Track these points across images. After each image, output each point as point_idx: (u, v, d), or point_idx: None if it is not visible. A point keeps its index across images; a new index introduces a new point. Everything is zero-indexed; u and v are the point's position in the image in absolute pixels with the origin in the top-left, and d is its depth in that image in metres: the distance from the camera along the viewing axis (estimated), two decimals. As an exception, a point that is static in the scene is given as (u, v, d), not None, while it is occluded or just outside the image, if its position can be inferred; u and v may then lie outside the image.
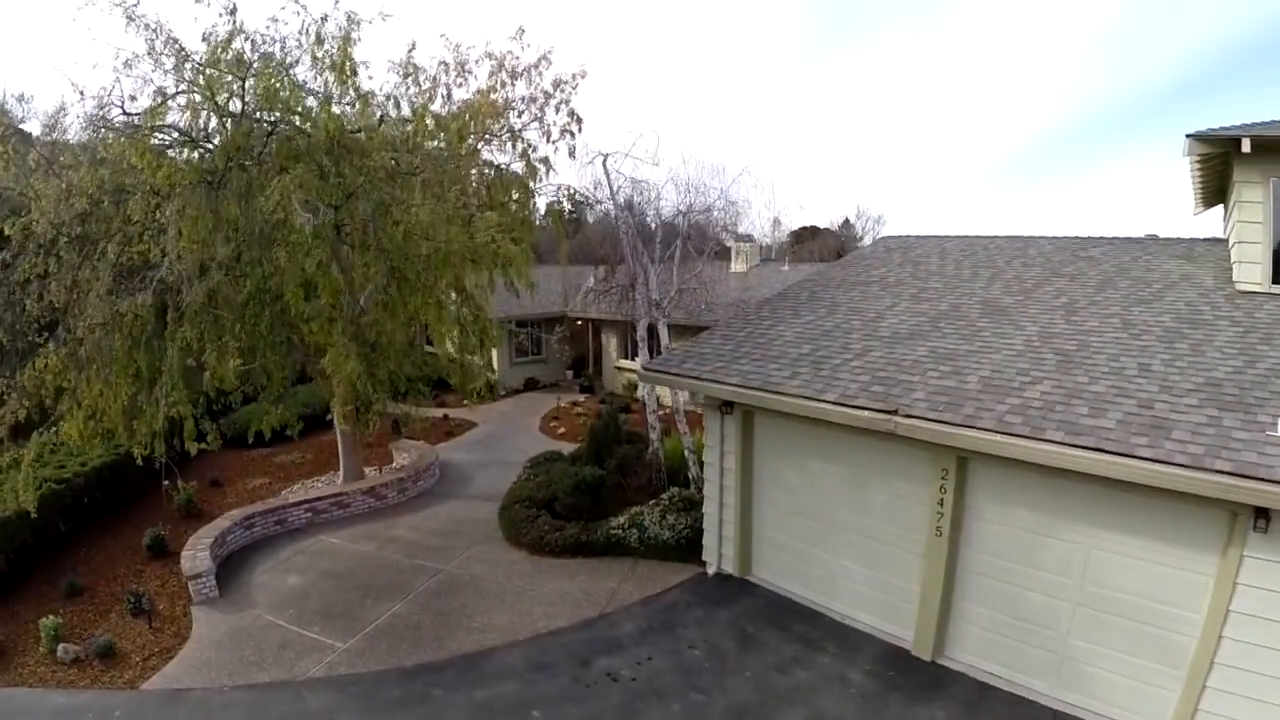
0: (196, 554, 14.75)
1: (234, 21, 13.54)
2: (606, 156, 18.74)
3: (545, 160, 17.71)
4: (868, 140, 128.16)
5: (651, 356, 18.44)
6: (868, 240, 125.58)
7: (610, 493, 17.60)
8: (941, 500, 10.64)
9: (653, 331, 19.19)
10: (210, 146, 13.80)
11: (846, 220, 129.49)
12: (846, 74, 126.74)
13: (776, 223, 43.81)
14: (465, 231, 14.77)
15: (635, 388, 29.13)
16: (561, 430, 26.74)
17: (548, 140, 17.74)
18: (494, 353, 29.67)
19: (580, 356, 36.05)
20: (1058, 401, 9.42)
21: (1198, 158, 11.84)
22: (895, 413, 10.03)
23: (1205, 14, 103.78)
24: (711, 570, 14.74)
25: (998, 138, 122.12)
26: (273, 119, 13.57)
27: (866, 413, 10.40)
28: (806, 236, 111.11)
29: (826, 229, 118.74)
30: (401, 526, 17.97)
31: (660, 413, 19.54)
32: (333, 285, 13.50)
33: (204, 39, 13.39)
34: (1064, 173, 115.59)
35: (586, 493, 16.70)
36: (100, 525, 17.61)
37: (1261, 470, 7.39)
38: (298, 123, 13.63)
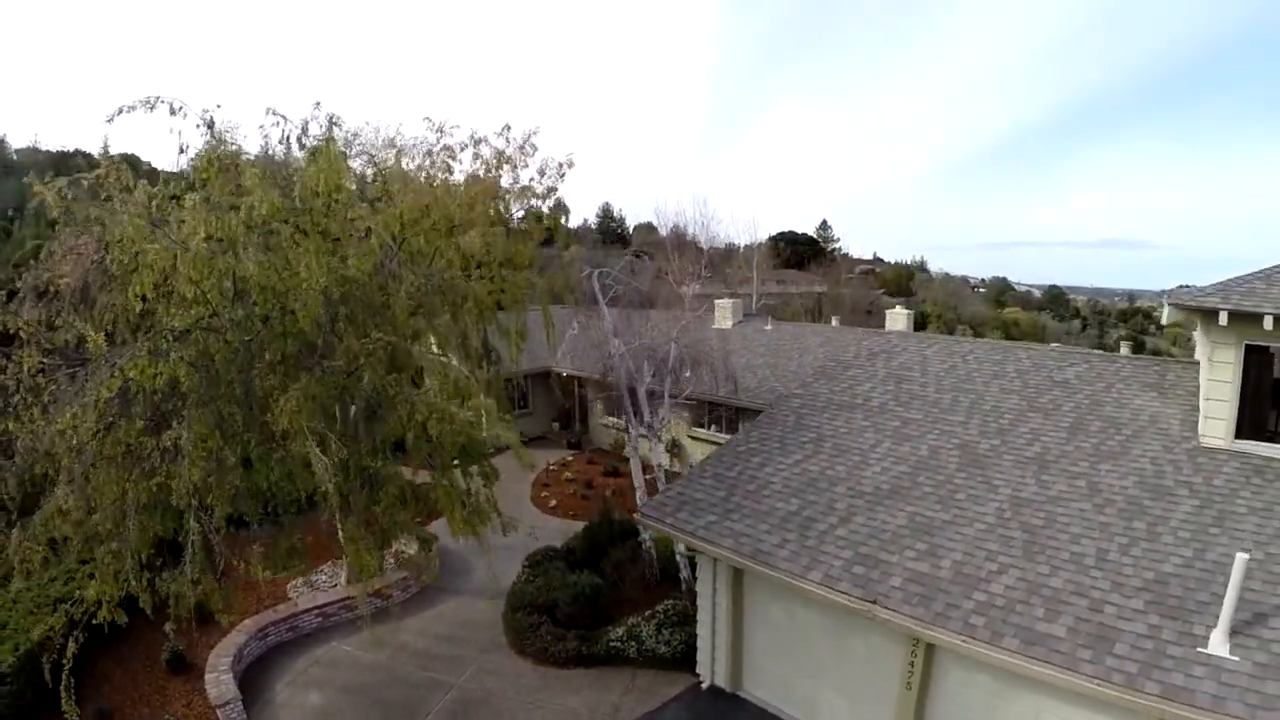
0: (219, 676, 16.02)
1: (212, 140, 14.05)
2: (598, 271, 20.02)
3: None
4: (840, 149, 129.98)
5: (637, 416, 19.94)
6: (844, 244, 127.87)
7: (608, 594, 19.03)
8: (912, 662, 12.23)
9: (637, 406, 20.44)
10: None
11: (824, 222, 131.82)
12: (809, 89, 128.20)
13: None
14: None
15: (622, 445, 30.47)
16: (554, 504, 28.14)
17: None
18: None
19: (567, 410, 37.34)
20: (1018, 600, 11.00)
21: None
22: (874, 603, 11.52)
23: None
24: (705, 684, 16.33)
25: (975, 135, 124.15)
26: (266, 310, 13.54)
27: (847, 599, 11.88)
28: (783, 244, 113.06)
29: (804, 234, 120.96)
30: (409, 630, 19.32)
31: (647, 477, 20.87)
32: (340, 490, 13.42)
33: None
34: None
35: (586, 603, 18.16)
36: (113, 634, 18.35)
37: (1184, 695, 9.00)
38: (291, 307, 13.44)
